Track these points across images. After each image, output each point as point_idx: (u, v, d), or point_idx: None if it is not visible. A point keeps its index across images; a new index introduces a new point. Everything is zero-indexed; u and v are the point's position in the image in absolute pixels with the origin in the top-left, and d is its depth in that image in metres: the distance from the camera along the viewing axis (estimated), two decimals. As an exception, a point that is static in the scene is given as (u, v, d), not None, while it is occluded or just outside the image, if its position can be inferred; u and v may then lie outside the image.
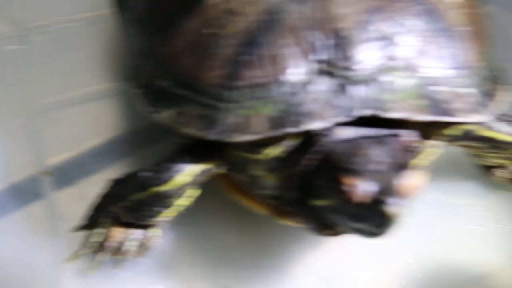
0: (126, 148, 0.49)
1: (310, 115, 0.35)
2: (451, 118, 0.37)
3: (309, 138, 0.36)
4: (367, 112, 0.35)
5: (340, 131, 0.36)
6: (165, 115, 0.38)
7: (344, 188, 0.34)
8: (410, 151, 0.36)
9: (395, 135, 0.36)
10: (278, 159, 0.38)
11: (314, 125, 0.35)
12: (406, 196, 0.33)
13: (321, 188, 0.36)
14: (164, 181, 0.38)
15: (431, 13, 0.38)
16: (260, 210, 0.42)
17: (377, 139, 0.35)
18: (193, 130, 0.37)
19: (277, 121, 0.35)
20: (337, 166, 0.35)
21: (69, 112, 0.52)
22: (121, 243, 0.41)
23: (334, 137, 0.35)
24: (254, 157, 0.38)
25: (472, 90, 0.38)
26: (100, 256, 0.41)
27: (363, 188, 0.33)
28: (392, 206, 0.32)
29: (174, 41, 0.39)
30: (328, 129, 0.35)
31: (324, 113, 0.35)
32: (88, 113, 0.52)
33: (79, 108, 0.52)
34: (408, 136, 0.36)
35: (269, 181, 0.39)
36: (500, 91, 0.40)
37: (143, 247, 0.42)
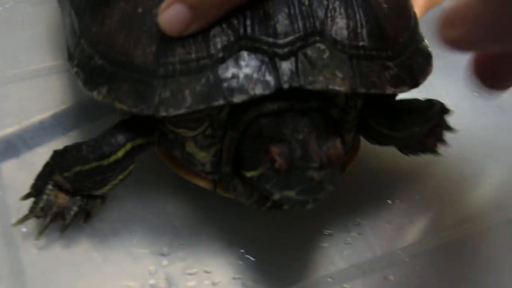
0: (73, 122, 0.51)
1: (236, 89, 0.36)
2: (376, 90, 0.39)
3: (236, 112, 0.38)
4: (294, 84, 0.37)
5: (266, 104, 0.37)
6: (100, 93, 0.40)
7: (273, 156, 0.36)
8: (334, 122, 0.39)
9: (318, 109, 0.38)
10: (207, 134, 0.40)
11: (239, 98, 0.36)
12: (332, 161, 0.35)
13: (251, 159, 0.38)
14: (106, 155, 0.40)
15: None
16: (200, 183, 0.44)
17: (302, 111, 0.37)
18: (127, 106, 0.38)
19: (205, 95, 0.37)
20: (264, 136, 0.37)
21: (16, 87, 0.53)
22: (63, 209, 0.42)
23: (260, 110, 0.37)
24: (187, 133, 0.41)
25: (394, 63, 0.40)
26: (44, 221, 0.42)
27: (289, 155, 0.35)
28: (317, 172, 0.34)
29: (107, 20, 0.41)
30: (256, 103, 0.37)
31: (250, 86, 0.37)
32: (35, 88, 0.53)
33: (26, 84, 0.53)
34: (331, 108, 0.39)
35: (202, 157, 0.41)
36: (421, 65, 0.42)
37: (83, 214, 0.43)
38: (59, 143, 0.47)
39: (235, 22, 0.38)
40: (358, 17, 0.40)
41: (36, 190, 0.42)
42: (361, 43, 0.39)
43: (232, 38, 0.37)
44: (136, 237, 0.44)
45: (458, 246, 0.46)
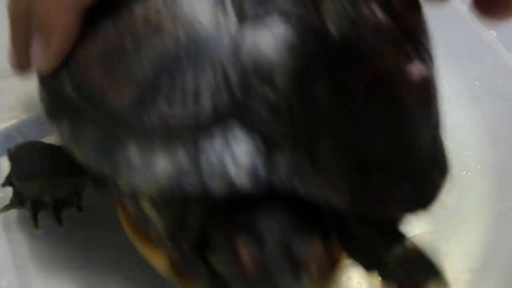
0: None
1: (218, 177, 0.28)
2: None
3: None
4: (288, 188, 0.29)
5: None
6: (59, 127, 0.33)
7: (239, 252, 0.29)
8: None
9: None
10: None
11: (220, 191, 0.28)
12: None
13: (215, 241, 0.31)
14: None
15: None
16: (156, 262, 0.36)
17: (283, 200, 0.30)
18: (85, 156, 0.32)
19: (179, 176, 0.29)
20: (233, 221, 0.30)
21: (14, 82, 0.51)
22: (39, 199, 0.39)
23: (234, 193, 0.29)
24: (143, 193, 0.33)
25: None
26: (28, 213, 0.40)
27: (261, 258, 0.29)
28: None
29: (89, 44, 0.33)
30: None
31: (235, 178, 0.28)
32: (34, 83, 0.52)
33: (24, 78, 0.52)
34: None
35: (160, 224, 0.33)
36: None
37: (68, 199, 0.40)
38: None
39: (231, 75, 0.29)
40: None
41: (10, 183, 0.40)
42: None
43: (224, 99, 0.29)
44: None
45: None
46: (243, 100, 0.29)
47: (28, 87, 0.51)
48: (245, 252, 0.29)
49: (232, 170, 0.28)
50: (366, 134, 0.30)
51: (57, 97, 0.34)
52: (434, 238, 0.45)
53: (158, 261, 0.35)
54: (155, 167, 0.29)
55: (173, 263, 0.34)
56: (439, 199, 0.37)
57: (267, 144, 0.29)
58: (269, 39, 0.29)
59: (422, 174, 0.33)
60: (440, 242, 0.45)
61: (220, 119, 0.29)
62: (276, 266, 0.28)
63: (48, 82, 0.35)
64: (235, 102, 0.29)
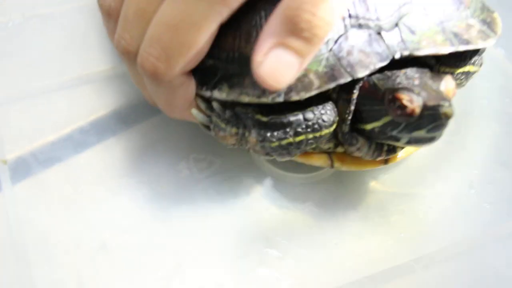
0: (85, 139, 0.52)
1: (358, 64, 0.40)
2: (472, 46, 0.43)
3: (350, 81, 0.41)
4: (405, 53, 0.41)
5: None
6: (222, 90, 0.41)
7: (402, 103, 0.39)
8: (432, 65, 0.44)
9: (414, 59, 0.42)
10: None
11: (363, 73, 0.40)
12: (451, 96, 0.40)
13: (370, 112, 0.42)
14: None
15: None
16: (317, 162, 0.46)
17: (401, 64, 0.41)
18: (256, 97, 0.40)
19: (330, 75, 0.40)
20: (379, 89, 0.41)
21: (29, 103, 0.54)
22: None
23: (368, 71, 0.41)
24: None
25: (474, 20, 0.45)
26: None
27: (418, 99, 0.39)
28: (445, 107, 0.38)
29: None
30: None
31: (369, 60, 0.40)
32: (44, 106, 0.54)
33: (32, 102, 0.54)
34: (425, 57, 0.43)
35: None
36: (492, 17, 0.47)
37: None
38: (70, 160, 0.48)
39: None
40: None
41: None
42: (444, 7, 0.44)
43: (343, 21, 0.41)
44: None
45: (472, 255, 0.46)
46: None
47: (39, 110, 0.53)
48: (409, 101, 0.39)
49: (364, 57, 0.40)
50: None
51: (201, 70, 0.42)
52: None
53: (319, 161, 0.46)
54: (311, 78, 0.40)
55: (331, 157, 0.46)
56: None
57: (377, 32, 0.41)
58: None
59: (481, 14, 0.47)
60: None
61: (339, 32, 0.41)
62: (435, 101, 0.38)
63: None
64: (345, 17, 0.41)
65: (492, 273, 0.45)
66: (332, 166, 0.46)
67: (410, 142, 0.41)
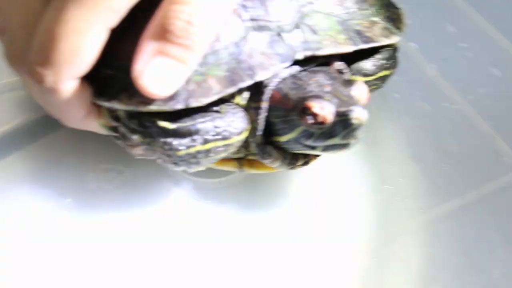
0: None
1: (258, 67, 0.39)
2: (374, 44, 0.43)
3: (254, 87, 0.41)
4: (307, 53, 0.41)
5: (280, 72, 0.41)
6: (121, 101, 0.39)
7: (313, 112, 0.38)
8: (343, 72, 0.43)
9: (326, 63, 0.42)
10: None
11: (263, 75, 0.39)
12: (363, 101, 0.40)
13: (282, 123, 0.41)
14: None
15: None
16: (226, 166, 0.45)
17: (312, 70, 0.41)
18: (156, 106, 0.38)
19: (230, 79, 0.39)
20: (290, 98, 0.40)
21: None
22: None
23: (278, 78, 0.41)
24: None
25: (378, 18, 0.45)
26: None
27: (329, 106, 0.38)
28: (356, 112, 0.37)
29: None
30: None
31: (270, 62, 0.40)
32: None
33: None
34: (334, 61, 0.43)
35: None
36: (397, 14, 0.47)
37: None
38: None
39: (240, 8, 0.40)
40: None
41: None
42: (346, 6, 0.44)
43: (242, 23, 0.40)
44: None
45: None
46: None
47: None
48: (320, 109, 0.38)
49: (265, 59, 0.39)
50: None
51: (100, 80, 0.41)
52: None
53: (228, 165, 0.45)
54: (210, 83, 0.39)
55: (240, 162, 0.45)
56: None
57: (278, 34, 0.41)
58: None
59: (386, 12, 0.47)
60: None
61: (239, 34, 0.40)
62: (346, 107, 0.38)
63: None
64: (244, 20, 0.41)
65: (403, 266, 0.45)
66: (241, 170, 0.46)
67: (326, 150, 0.40)
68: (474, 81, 0.56)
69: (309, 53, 0.41)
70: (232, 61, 0.39)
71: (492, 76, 0.56)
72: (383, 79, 0.47)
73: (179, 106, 0.39)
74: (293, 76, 0.41)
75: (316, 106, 0.38)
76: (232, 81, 0.39)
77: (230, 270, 0.45)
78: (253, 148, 0.43)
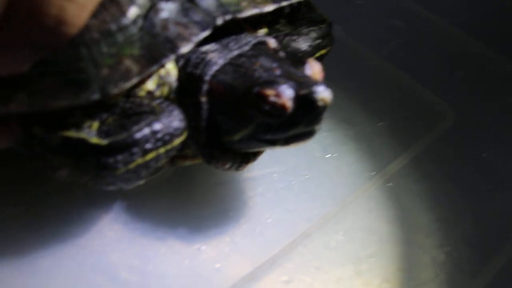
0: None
1: (177, 38, 0.34)
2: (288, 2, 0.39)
3: (192, 80, 0.36)
4: (227, 17, 0.36)
5: (212, 57, 0.36)
6: (20, 101, 0.33)
7: (270, 100, 0.33)
8: (277, 49, 0.38)
9: (262, 42, 0.37)
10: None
11: (186, 47, 0.34)
12: (321, 79, 0.35)
13: (232, 120, 0.35)
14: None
15: None
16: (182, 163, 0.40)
17: (252, 54, 0.36)
18: (68, 101, 0.33)
19: (149, 56, 0.33)
20: (237, 89, 0.34)
21: None
22: None
23: (213, 67, 0.35)
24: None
25: None
26: None
27: (287, 91, 0.33)
28: (320, 92, 0.32)
29: None
30: (197, 57, 0.36)
31: (189, 31, 0.35)
32: None
33: None
34: (269, 40, 0.38)
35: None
36: None
37: None
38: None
39: None
40: None
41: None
42: None
43: None
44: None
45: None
46: None
47: None
48: (276, 96, 0.33)
49: (183, 30, 0.34)
50: None
51: None
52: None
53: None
54: (127, 64, 0.33)
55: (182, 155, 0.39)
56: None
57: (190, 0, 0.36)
58: None
59: None
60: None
61: (145, 7, 0.34)
62: (307, 89, 0.33)
63: None
64: None
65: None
66: (172, 164, 0.39)
67: (288, 142, 0.35)
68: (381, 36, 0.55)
69: (229, 17, 0.35)
70: (146, 36, 0.34)
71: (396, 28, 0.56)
72: (321, 58, 0.43)
73: (95, 96, 0.32)
74: (231, 64, 0.35)
75: (271, 94, 0.33)
76: (151, 58, 0.33)
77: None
78: (195, 149, 0.37)
